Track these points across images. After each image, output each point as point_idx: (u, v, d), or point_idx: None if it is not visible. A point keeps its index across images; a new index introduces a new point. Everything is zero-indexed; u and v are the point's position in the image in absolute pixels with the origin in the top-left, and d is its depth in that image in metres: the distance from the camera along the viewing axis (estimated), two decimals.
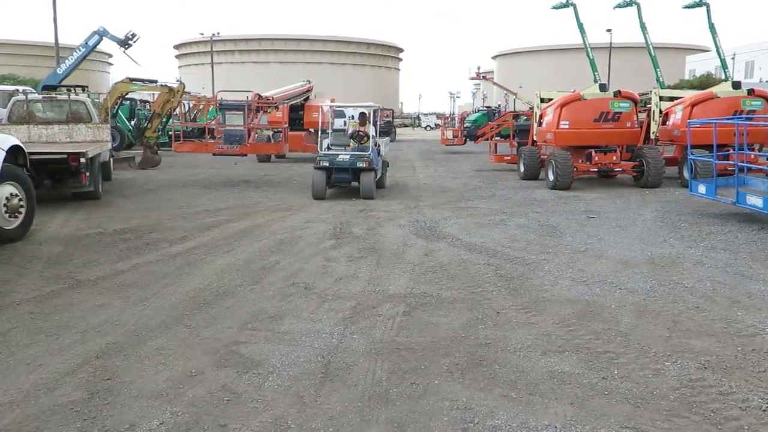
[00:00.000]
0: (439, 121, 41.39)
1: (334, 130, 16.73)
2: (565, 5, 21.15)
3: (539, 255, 8.35)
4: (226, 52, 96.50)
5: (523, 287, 6.85)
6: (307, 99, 24.65)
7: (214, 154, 17.39)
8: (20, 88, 22.37)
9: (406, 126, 79.77)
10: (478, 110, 45.05)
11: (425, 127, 75.30)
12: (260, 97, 18.72)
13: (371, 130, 14.63)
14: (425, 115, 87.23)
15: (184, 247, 8.81)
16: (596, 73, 21.05)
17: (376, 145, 14.46)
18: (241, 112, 17.84)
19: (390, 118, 46.58)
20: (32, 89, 22.71)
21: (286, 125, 18.74)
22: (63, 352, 4.99)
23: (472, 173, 20.18)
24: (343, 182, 13.98)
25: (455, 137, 31.86)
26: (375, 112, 15.23)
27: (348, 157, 13.65)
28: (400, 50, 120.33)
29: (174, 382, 4.42)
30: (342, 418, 3.90)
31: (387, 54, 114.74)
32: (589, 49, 20.83)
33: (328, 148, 14.50)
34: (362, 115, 15.15)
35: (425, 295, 6.50)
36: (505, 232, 10.04)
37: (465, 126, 34.05)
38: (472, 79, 32.23)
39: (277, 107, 19.54)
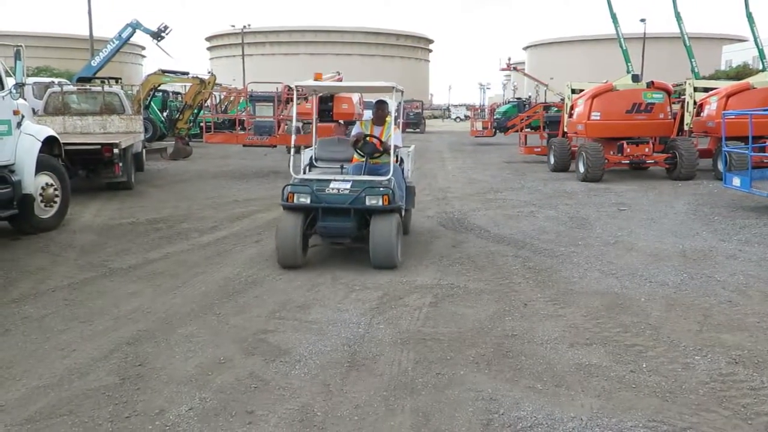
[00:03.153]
0: (469, 113, 41.23)
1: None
2: None
3: (568, 247, 8.28)
4: (257, 44, 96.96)
5: (551, 279, 6.81)
6: (332, 97, 24.61)
7: (244, 145, 17.53)
8: (56, 80, 22.76)
9: (435, 118, 79.51)
10: (509, 102, 44.74)
11: (455, 119, 74.97)
12: (290, 88, 18.76)
13: (392, 133, 7.77)
14: (455, 106, 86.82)
15: (214, 237, 8.92)
16: (629, 64, 20.70)
17: (397, 159, 8.04)
18: (271, 104, 17.95)
19: (420, 110, 46.43)
20: (67, 81, 23.11)
21: (316, 116, 18.76)
22: (96, 338, 5.10)
23: (501, 165, 20.05)
24: (338, 236, 7.25)
25: (485, 129, 31.67)
26: (399, 102, 8.89)
27: (348, 185, 7.11)
28: (430, 41, 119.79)
29: (203, 369, 4.49)
30: (367, 407, 3.93)
31: (417, 45, 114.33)
32: (622, 39, 20.51)
33: (311, 167, 8.43)
34: (381, 105, 8.21)
35: (452, 287, 6.50)
36: (534, 224, 9.97)
37: (495, 117, 33.82)
38: (503, 70, 31.99)
39: (306, 99, 19.58)
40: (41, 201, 9.09)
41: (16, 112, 8.71)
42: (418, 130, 43.79)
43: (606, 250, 8.14)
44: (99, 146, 12.34)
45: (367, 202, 6.98)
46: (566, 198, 12.76)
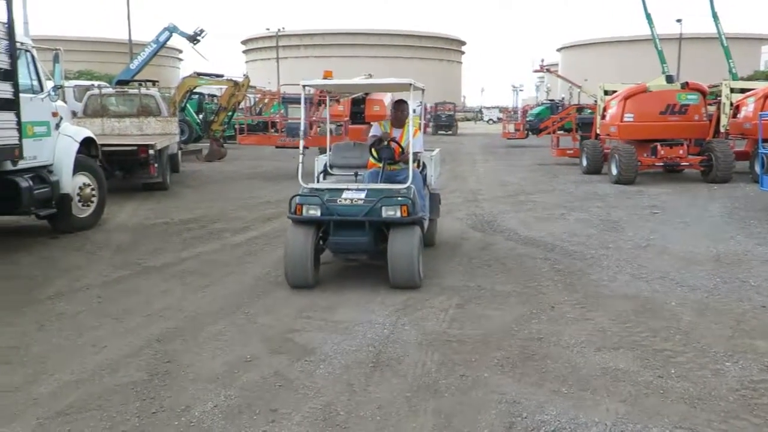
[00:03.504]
0: (502, 115, 41.03)
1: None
2: None
3: (598, 250, 8.19)
4: (291, 47, 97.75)
5: (579, 282, 6.75)
6: (368, 93, 24.75)
7: (276, 147, 17.71)
8: (96, 83, 23.25)
9: (468, 120, 79.23)
10: (542, 103, 44.39)
11: (487, 121, 74.61)
12: (322, 91, 18.89)
13: (412, 135, 6.95)
14: (487, 108, 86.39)
15: (245, 237, 9.04)
16: (665, 65, 20.37)
17: (419, 165, 7.41)
18: (305, 106, 18.06)
19: (452, 112, 46.31)
20: (107, 84, 23.60)
21: (347, 119, 18.85)
22: (127, 335, 5.21)
23: (533, 167, 19.90)
24: (353, 250, 6.59)
25: (517, 131, 31.48)
26: (420, 101, 8.89)
27: (363, 195, 6.39)
28: (463, 43, 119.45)
29: (229, 367, 4.56)
30: (390, 407, 3.95)
31: (449, 47, 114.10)
32: (657, 40, 20.19)
33: (325, 174, 7.84)
34: (399, 105, 7.53)
35: (479, 288, 6.48)
36: (565, 226, 9.89)
37: (527, 119, 33.62)
38: (536, 72, 31.79)
39: (338, 101, 19.70)
40: (79, 201, 9.30)
41: (54, 114, 8.95)
42: (450, 132, 43.70)
43: (637, 253, 8.04)
44: (135, 147, 12.60)
45: (384, 214, 6.23)
46: (598, 200, 12.61)
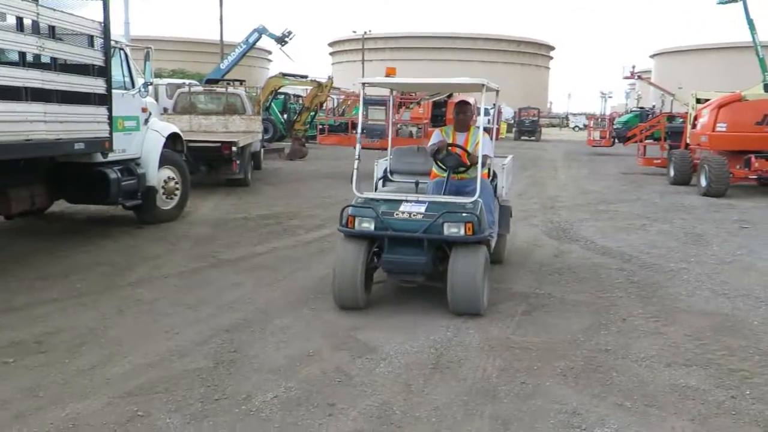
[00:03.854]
0: (588, 122, 40.03)
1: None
2: (734, 0, 19.60)
3: (679, 263, 7.87)
4: (377, 49, 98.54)
5: (655, 295, 6.51)
6: (450, 96, 24.66)
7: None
8: (187, 81, 24.18)
9: (553, 126, 77.73)
10: (631, 111, 43.02)
11: (573, 128, 72.89)
12: (403, 93, 18.98)
13: (481, 140, 6.20)
14: (574, 115, 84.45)
15: (319, 235, 9.19)
16: (766, 74, 19.36)
17: (489, 174, 6.76)
18: (384, 107, 18.21)
19: (536, 118, 45.54)
20: (197, 83, 24.49)
21: (427, 121, 18.88)
22: (198, 324, 5.40)
23: (617, 176, 19.32)
24: (408, 271, 5.74)
25: (602, 138, 30.60)
26: (494, 104, 7.69)
27: (422, 208, 5.66)
28: (551, 48, 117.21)
29: (292, 360, 4.65)
30: (446, 410, 3.92)
31: (537, 52, 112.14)
32: (759, 47, 19.16)
33: (385, 181, 7.23)
34: (462, 107, 6.75)
35: (549, 296, 6.35)
36: (645, 237, 9.55)
37: (615, 127, 32.63)
38: (626, 78, 30.81)
39: (419, 103, 19.74)
40: (163, 193, 9.69)
41: (144, 110, 9.36)
42: (533, 138, 42.98)
43: (721, 268, 7.67)
44: (219, 144, 13.02)
45: (446, 231, 5.52)
46: (683, 212, 12.12)
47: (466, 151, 6.28)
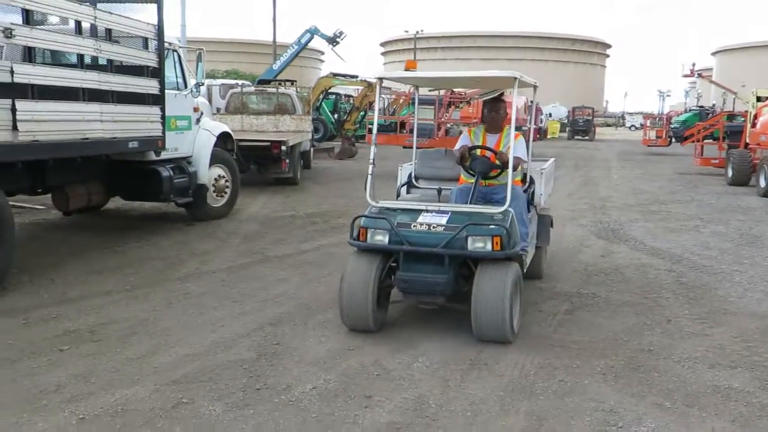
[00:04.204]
0: (645, 121, 39.11)
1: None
2: None
3: (731, 265, 7.67)
4: (429, 49, 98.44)
5: (704, 297, 6.37)
6: (502, 95, 24.51)
7: (403, 147, 17.95)
8: (240, 82, 24.67)
9: (609, 126, 76.28)
10: (689, 110, 41.89)
11: (629, 127, 71.40)
12: (452, 92, 18.98)
13: (513, 143, 5.44)
14: (630, 114, 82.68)
15: None
16: None
17: (525, 181, 6.00)
18: (432, 107, 18.23)
19: (590, 117, 44.79)
20: (249, 83, 24.97)
21: (477, 120, 18.78)
22: (243, 317, 5.54)
23: (672, 176, 18.88)
24: (426, 291, 5.00)
25: (659, 138, 29.93)
26: (533, 101, 7.26)
27: (444, 219, 5.03)
28: (608, 46, 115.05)
29: (332, 353, 4.74)
30: (482, 405, 3.94)
31: (593, 50, 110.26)
32: None
33: (410, 187, 6.65)
34: (494, 105, 5.99)
35: (593, 296, 6.29)
36: (697, 238, 9.33)
37: (672, 126, 31.85)
38: (686, 76, 29.93)
39: (468, 102, 19.68)
40: (213, 191, 9.93)
41: (195, 109, 9.62)
42: (587, 137, 42.33)
43: None
44: (269, 143, 13.27)
45: (470, 246, 4.81)
46: (740, 213, 11.78)
47: (495, 152, 5.51)
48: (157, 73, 8.18)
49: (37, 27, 6.64)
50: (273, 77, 26.51)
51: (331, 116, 27.09)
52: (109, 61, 7.44)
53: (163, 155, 8.64)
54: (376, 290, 4.99)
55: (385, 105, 30.94)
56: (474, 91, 21.25)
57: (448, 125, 19.61)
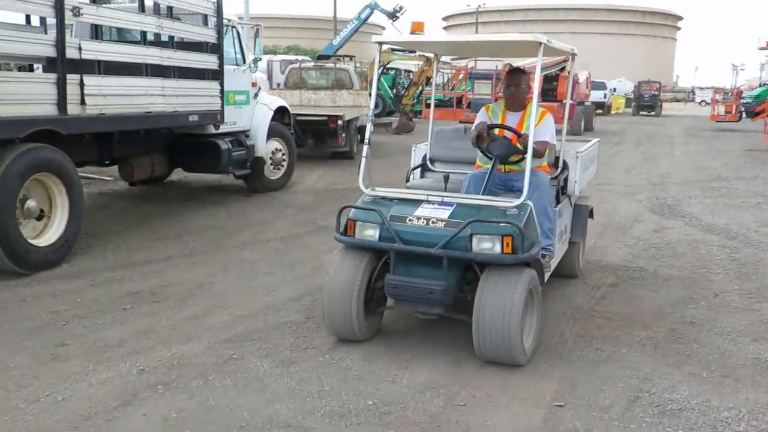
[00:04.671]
0: (714, 95, 37.67)
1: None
2: None
3: None
4: (491, 23, 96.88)
5: (756, 273, 6.28)
6: (562, 69, 24.06)
7: (460, 122, 17.94)
8: (299, 57, 24.98)
9: (678, 101, 73.66)
10: (763, 84, 40.17)
11: (699, 102, 68.82)
12: (511, 67, 18.78)
13: (536, 120, 4.54)
14: (701, 89, 79.62)
15: None
16: None
17: (557, 167, 5.30)
18: (490, 81, 18.12)
19: (657, 92, 43.39)
20: (309, 59, 25.25)
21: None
22: (294, 283, 5.80)
23: (739, 152, 18.27)
24: (419, 300, 4.15)
25: (728, 113, 28.86)
26: (561, 69, 5.57)
27: (446, 214, 4.18)
28: (679, 18, 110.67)
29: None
30: (516, 368, 4.03)
31: (663, 23, 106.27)
32: None
33: (424, 170, 5.93)
34: (514, 78, 5.08)
35: (640, 270, 6.29)
36: (758, 216, 9.11)
37: (744, 101, 30.63)
38: (762, 49, 28.63)
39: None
40: (271, 164, 10.23)
41: (253, 84, 9.88)
42: (653, 113, 41.07)
43: None
44: (325, 117, 13.49)
45: (475, 247, 4.01)
46: None
47: (518, 133, 4.65)
48: (216, 48, 8.46)
49: (103, 5, 6.96)
50: (333, 53, 26.70)
51: (389, 91, 27.17)
52: (170, 37, 7.75)
53: (222, 129, 8.95)
54: (364, 294, 4.29)
55: (445, 80, 30.85)
56: (532, 65, 20.95)
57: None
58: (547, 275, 4.69)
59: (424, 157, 5.86)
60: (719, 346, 4.49)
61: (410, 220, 4.19)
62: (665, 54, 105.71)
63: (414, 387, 3.83)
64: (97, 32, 7.26)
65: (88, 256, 6.49)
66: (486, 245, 4.02)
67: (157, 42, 7.87)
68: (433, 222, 4.14)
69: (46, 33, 6.03)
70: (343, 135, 13.60)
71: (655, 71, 69.17)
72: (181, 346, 4.37)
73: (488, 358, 4.06)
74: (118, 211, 8.67)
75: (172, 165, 9.38)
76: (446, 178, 4.91)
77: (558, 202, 5.07)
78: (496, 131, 4.78)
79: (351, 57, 22.45)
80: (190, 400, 3.62)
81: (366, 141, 4.77)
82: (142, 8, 7.41)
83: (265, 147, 9.95)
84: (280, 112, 10.61)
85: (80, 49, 6.24)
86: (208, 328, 4.71)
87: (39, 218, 6.09)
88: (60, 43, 5.96)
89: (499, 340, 3.93)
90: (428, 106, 20.11)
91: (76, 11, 6.12)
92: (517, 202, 4.14)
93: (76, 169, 6.46)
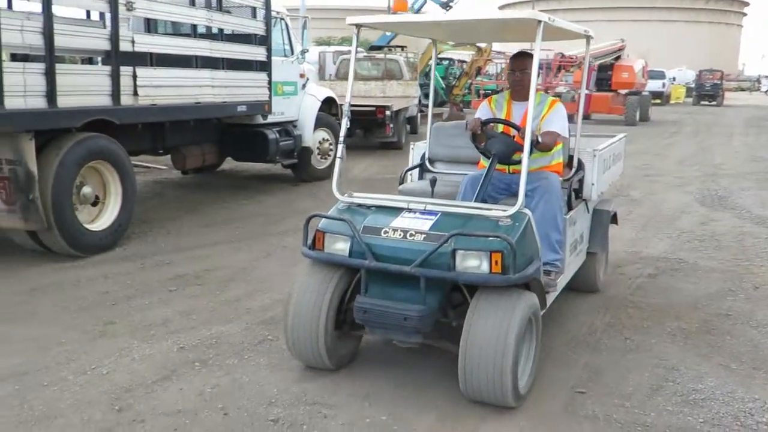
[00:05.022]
0: None
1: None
2: None
3: None
4: (549, 11, 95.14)
5: None
6: (618, 58, 23.64)
7: None
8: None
9: (743, 90, 71.13)
10: None
11: (765, 92, 66.37)
12: (563, 56, 18.56)
13: (544, 111, 4.31)
14: (767, 77, 76.69)
15: None
16: None
17: (571, 166, 4.62)
18: (540, 71, 17.94)
19: (719, 81, 42.02)
20: (362, 49, 25.36)
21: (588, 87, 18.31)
22: None
23: None
24: (392, 327, 3.50)
25: None
26: (616, 58, 4.76)
27: (428, 224, 3.58)
28: (745, 4, 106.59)
29: None
30: (544, 356, 4.08)
31: (728, 9, 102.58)
32: None
33: (423, 172, 5.25)
34: (518, 62, 4.35)
35: (680, 261, 6.23)
36: None
37: None
38: None
39: (579, 66, 19.17)
40: (318, 153, 10.43)
41: (302, 75, 10.09)
42: (714, 102, 39.84)
43: None
44: (373, 108, 13.64)
45: (459, 265, 3.39)
46: None
47: (516, 127, 4.06)
48: (265, 40, 8.67)
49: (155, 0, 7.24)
50: (386, 43, 26.76)
51: (441, 82, 27.11)
52: (220, 30, 7.99)
53: (270, 119, 9.18)
54: (333, 316, 3.71)
55: (498, 70, 30.59)
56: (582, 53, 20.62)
57: (560, 90, 19.23)
58: (552, 295, 4.10)
59: (423, 156, 5.24)
60: (753, 338, 4.45)
61: (385, 232, 3.58)
62: (730, 41, 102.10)
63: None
64: (149, 26, 7.55)
65: (140, 241, 6.80)
66: (472, 263, 3.38)
67: (207, 34, 8.12)
68: (411, 235, 3.53)
69: (105, 28, 6.32)
70: (391, 125, 13.74)
71: (719, 59, 66.85)
72: (220, 326, 4.58)
73: (475, 398, 3.43)
74: (170, 199, 9.01)
75: (222, 154, 9.68)
76: (433, 182, 4.29)
77: (570, 207, 4.46)
78: (500, 127, 4.23)
79: (402, 47, 22.42)
80: (224, 377, 3.82)
81: (340, 140, 4.16)
82: (192, 2, 7.67)
83: (313, 137, 10.15)
84: (328, 103, 10.79)
85: (133, 42, 6.53)
86: (246, 310, 4.91)
87: (94, 204, 6.41)
88: (114, 37, 6.25)
89: (489, 380, 3.30)
90: (479, 96, 20.06)
91: (130, 6, 6.40)
92: (512, 210, 3.48)
93: (129, 158, 6.77)
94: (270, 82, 8.83)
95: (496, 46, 26.72)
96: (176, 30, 8.60)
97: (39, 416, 3.39)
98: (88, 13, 7.50)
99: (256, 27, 8.62)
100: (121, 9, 6.29)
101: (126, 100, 6.49)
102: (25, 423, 3.33)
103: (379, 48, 24.75)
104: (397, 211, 3.73)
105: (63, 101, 5.79)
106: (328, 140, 10.61)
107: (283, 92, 9.50)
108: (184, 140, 8.46)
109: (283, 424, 3.33)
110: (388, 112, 13.53)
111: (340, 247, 3.69)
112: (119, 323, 4.63)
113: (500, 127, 4.25)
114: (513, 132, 4.13)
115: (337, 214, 3.88)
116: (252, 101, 8.58)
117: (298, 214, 8.17)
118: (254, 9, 8.63)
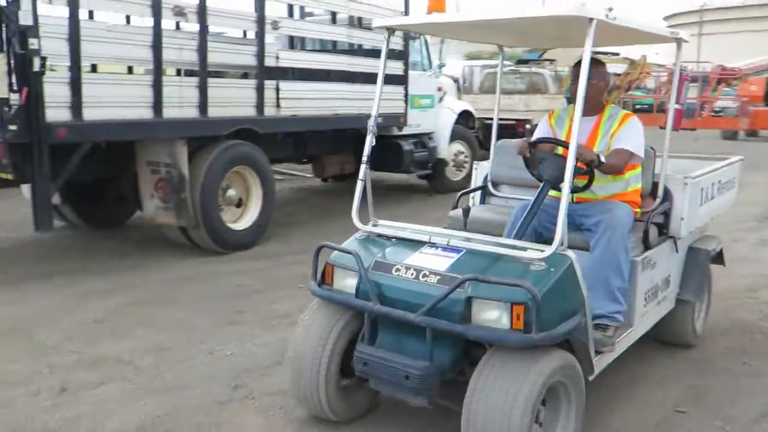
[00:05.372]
0: None
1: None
2: None
3: None
4: (718, 21, 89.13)
5: None
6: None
7: (660, 128, 17.05)
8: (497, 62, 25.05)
9: None
10: None
11: None
12: (723, 68, 17.48)
13: (615, 127, 3.62)
14: None
15: None
16: None
17: (655, 196, 3.84)
18: (696, 84, 17.01)
19: None
20: (510, 63, 25.30)
21: (745, 99, 17.10)
22: None
23: None
24: (393, 382, 2.96)
25: None
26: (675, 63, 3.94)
27: (445, 265, 2.96)
28: None
29: None
30: (648, 376, 4.01)
31: None
32: None
33: (486, 196, 4.72)
34: (588, 70, 2.91)
35: None
36: None
37: None
38: None
39: (738, 78, 17.97)
40: (453, 165, 10.65)
41: (439, 89, 10.36)
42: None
43: None
44: (514, 122, 13.64)
45: (474, 316, 2.82)
46: None
47: (565, 145, 3.28)
48: (402, 55, 9.03)
49: (299, 19, 7.81)
50: (537, 57, 26.49)
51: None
52: (359, 45, 8.43)
53: (406, 131, 9.50)
54: (338, 362, 3.26)
55: (657, 84, 29.25)
56: (751, 67, 19.28)
57: (720, 108, 18.06)
58: (608, 358, 3.39)
59: (486, 178, 4.66)
60: None
61: (397, 270, 3.06)
62: None
63: None
64: (292, 42, 8.14)
65: (278, 241, 7.35)
66: (490, 315, 2.78)
67: (345, 50, 8.60)
68: (424, 275, 2.97)
69: (252, 45, 6.94)
70: None
71: None
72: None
73: None
74: (311, 205, 9.60)
75: (360, 164, 10.10)
76: (466, 212, 3.75)
77: (647, 247, 3.70)
78: (560, 149, 3.50)
79: (552, 61, 22.10)
80: None
81: (363, 160, 3.62)
82: (333, 20, 8.18)
83: (448, 149, 10.37)
84: (465, 116, 10.97)
85: (277, 58, 7.10)
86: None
87: (238, 205, 7.05)
88: (260, 54, 6.85)
89: None
90: (635, 110, 19.32)
91: (275, 24, 6.99)
92: (548, 251, 2.83)
93: (270, 164, 7.35)
94: (406, 96, 9.17)
95: (656, 59, 25.57)
96: (325, 46, 9.15)
97: (169, 386, 3.88)
98: (244, 32, 8.22)
99: (394, 42, 8.99)
100: (268, 27, 6.88)
101: (269, 111, 7.08)
102: (157, 390, 3.82)
103: (525, 62, 24.60)
104: (419, 244, 3.19)
105: (213, 111, 6.44)
106: (463, 152, 10.79)
107: (420, 105, 9.81)
108: (323, 149, 8.99)
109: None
110: (528, 126, 13.47)
111: (348, 283, 3.22)
112: (247, 313, 5.10)
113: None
114: (560, 150, 3.49)
115: (352, 245, 3.40)
116: (387, 113, 8.93)
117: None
118: None
